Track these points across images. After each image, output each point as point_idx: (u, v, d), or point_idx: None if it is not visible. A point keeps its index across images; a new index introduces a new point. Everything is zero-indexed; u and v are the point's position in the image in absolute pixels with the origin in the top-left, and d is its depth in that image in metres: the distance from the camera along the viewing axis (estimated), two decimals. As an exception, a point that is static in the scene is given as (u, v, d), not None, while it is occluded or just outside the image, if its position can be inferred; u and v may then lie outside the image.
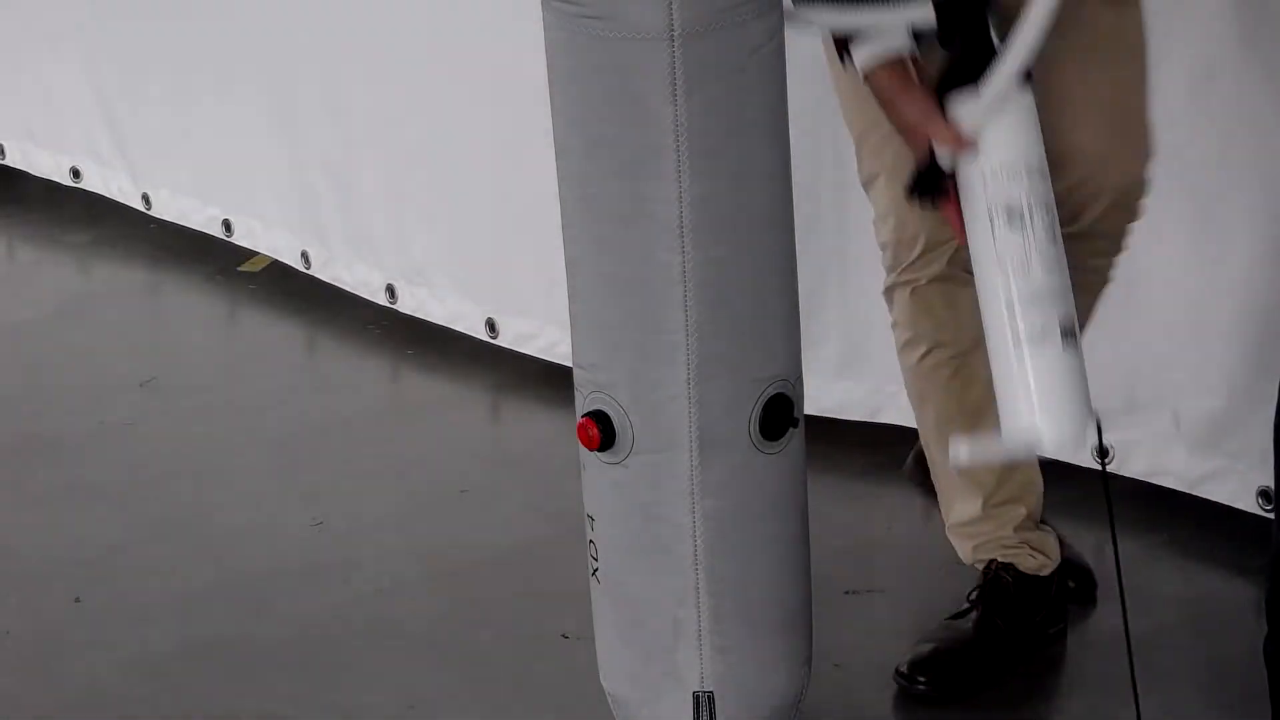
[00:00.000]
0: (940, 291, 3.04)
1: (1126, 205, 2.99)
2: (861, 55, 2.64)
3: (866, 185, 3.09)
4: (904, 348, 3.15)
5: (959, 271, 2.97)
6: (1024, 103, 2.57)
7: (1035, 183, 2.56)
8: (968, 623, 3.16)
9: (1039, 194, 2.55)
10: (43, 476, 4.12)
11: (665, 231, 2.52)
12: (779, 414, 2.64)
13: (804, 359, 2.71)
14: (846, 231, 3.71)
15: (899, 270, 3.09)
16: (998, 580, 3.17)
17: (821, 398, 3.77)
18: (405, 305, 4.74)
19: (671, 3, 2.43)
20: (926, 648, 3.12)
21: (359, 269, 4.85)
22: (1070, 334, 2.56)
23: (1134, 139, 2.95)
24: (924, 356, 3.11)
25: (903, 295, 3.10)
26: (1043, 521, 3.22)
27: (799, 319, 2.68)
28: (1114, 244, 3.05)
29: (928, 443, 3.20)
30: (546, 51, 2.56)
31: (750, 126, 2.53)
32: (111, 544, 3.78)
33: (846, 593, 3.46)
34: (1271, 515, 3.05)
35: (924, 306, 3.07)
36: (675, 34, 2.45)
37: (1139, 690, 2.69)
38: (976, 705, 3.08)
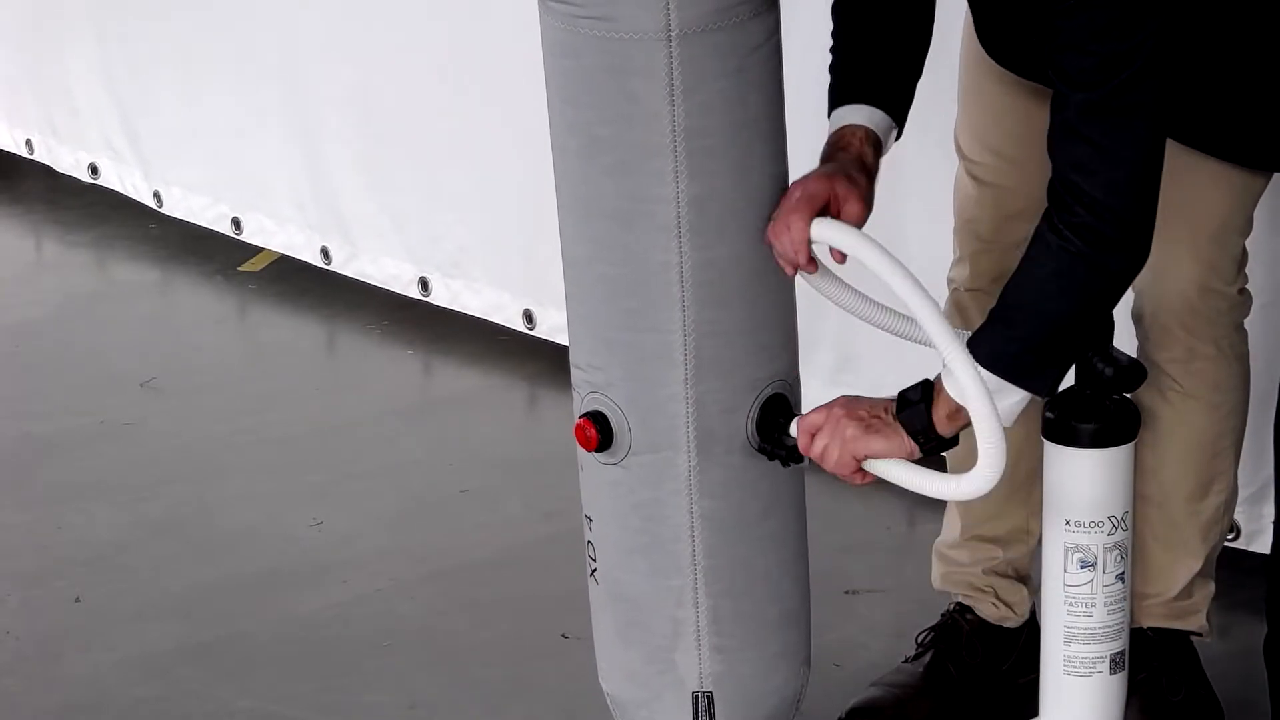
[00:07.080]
0: (974, 300, 2.97)
1: None
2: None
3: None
4: None
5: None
6: (1121, 457, 2.55)
7: (1115, 532, 2.57)
8: (919, 667, 3.07)
9: (1117, 539, 2.57)
10: (43, 476, 4.12)
11: (663, 231, 2.51)
12: (777, 414, 2.63)
13: (801, 362, 2.70)
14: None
15: (951, 266, 3.03)
16: (954, 625, 3.09)
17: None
18: (439, 298, 4.74)
19: (669, 2, 2.42)
20: (872, 693, 3.04)
21: (387, 263, 4.84)
22: (1119, 663, 2.61)
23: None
24: None
25: (947, 293, 3.03)
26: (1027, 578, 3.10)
27: (797, 319, 2.67)
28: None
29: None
30: (543, 51, 2.55)
31: (748, 126, 2.52)
32: (111, 544, 3.79)
33: (846, 593, 3.46)
34: None
35: (958, 308, 3.00)
36: (672, 34, 2.44)
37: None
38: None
